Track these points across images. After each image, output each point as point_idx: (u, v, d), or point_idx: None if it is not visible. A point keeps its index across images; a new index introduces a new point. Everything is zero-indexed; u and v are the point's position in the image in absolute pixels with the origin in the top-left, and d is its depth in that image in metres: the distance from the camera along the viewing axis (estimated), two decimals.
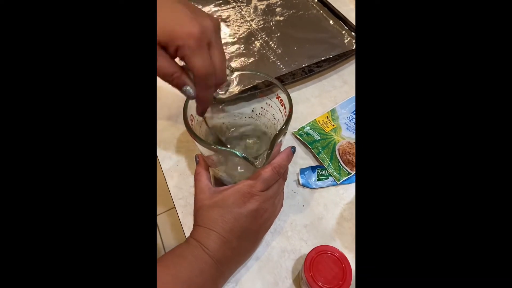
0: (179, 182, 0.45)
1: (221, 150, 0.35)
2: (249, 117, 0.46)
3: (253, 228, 0.36)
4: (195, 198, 0.39)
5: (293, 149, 0.40)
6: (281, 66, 0.56)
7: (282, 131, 0.35)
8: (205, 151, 0.39)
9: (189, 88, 0.34)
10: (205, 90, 0.34)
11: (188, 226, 0.41)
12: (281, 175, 0.38)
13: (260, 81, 0.49)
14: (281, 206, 0.41)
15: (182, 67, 0.33)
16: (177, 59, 0.33)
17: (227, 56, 0.58)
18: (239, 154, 0.32)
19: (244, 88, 0.50)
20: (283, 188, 0.40)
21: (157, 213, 1.30)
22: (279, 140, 0.35)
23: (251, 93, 0.50)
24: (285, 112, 0.39)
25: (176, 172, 0.46)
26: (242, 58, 0.58)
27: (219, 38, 0.35)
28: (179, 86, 0.34)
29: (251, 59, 0.58)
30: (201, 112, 0.37)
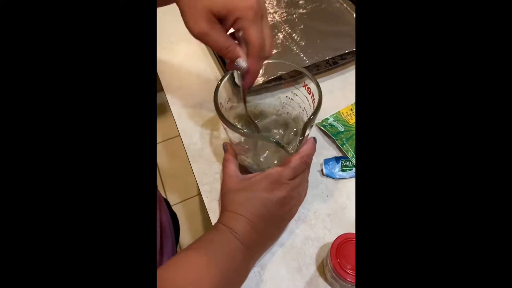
0: (204, 167, 0.46)
1: (254, 135, 0.35)
2: (274, 107, 0.46)
3: (280, 214, 0.37)
4: (222, 183, 0.39)
5: (314, 139, 0.40)
6: (304, 58, 0.56)
7: (312, 119, 0.35)
8: (235, 138, 0.40)
9: (242, 61, 0.35)
10: (257, 61, 0.35)
11: (213, 211, 0.42)
12: (308, 164, 0.38)
13: (284, 72, 0.49)
14: (305, 194, 0.41)
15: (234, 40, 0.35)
16: None
17: None
18: (272, 140, 0.33)
19: (268, 79, 0.51)
20: (308, 177, 0.41)
21: (172, 204, 1.31)
22: (309, 127, 0.35)
23: (276, 83, 0.50)
24: (313, 100, 0.39)
25: (201, 158, 0.47)
26: None
27: (266, 11, 0.36)
28: (233, 59, 0.35)
29: (274, 51, 0.58)
30: (249, 84, 0.38)
